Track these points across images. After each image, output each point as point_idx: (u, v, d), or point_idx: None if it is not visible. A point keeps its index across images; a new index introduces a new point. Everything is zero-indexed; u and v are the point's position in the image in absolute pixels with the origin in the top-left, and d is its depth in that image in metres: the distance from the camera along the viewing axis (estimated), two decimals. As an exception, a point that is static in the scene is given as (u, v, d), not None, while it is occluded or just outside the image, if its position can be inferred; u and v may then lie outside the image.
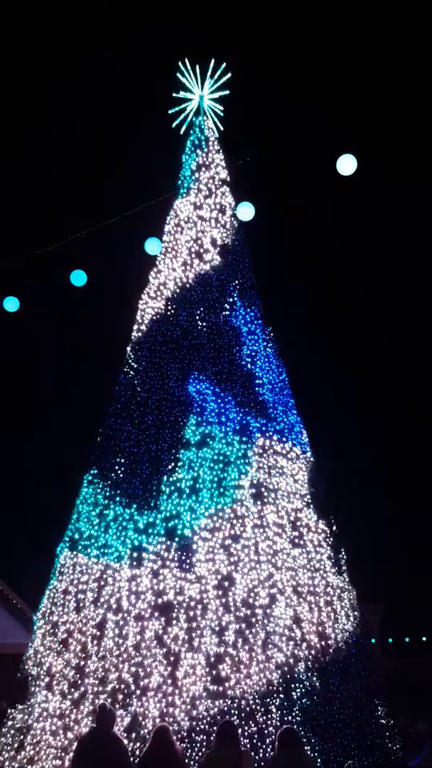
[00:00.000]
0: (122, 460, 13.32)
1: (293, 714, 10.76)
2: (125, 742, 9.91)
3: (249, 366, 14.20)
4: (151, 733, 9.38)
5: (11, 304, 14.06)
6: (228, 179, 16.44)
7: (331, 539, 13.47)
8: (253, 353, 14.44)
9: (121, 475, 13.17)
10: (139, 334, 14.88)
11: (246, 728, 10.44)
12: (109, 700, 10.69)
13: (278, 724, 10.42)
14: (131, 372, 14.42)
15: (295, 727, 10.03)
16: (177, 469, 12.76)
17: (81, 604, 12.21)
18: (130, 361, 14.65)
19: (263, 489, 12.72)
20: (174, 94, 16.90)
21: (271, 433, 13.56)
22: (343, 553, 13.68)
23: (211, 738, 9.77)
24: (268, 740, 10.33)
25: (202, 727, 10.46)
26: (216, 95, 16.98)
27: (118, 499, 12.91)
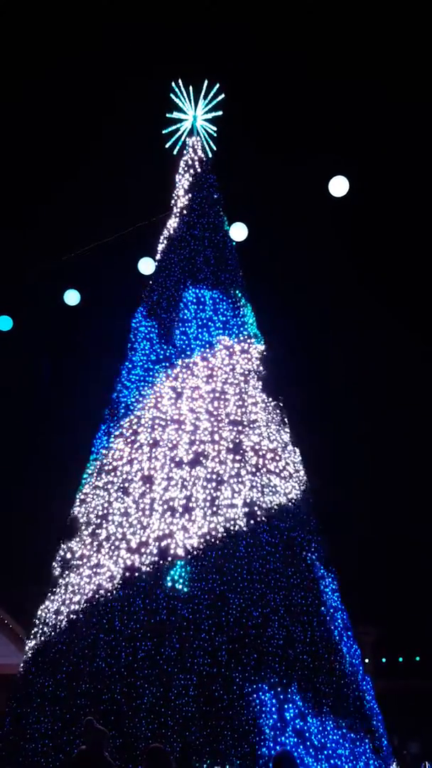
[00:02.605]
0: (114, 479, 13.29)
1: (286, 734, 10.69)
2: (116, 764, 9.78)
3: (242, 384, 14.22)
4: (144, 753, 9.26)
5: (4, 323, 14.04)
6: (221, 199, 16.56)
7: (325, 559, 13.44)
8: (246, 372, 14.47)
9: (114, 494, 13.13)
10: (133, 352, 14.91)
11: (239, 749, 10.35)
12: (101, 721, 10.55)
13: (271, 744, 10.34)
14: (124, 390, 14.43)
15: (288, 748, 9.95)
16: (170, 488, 12.73)
17: (73, 625, 12.12)
18: (123, 379, 14.66)
19: (256, 508, 12.70)
20: (168, 115, 17.06)
21: (264, 452, 13.56)
22: (336, 572, 13.63)
23: (205, 758, 9.68)
24: (260, 761, 10.25)
25: (195, 747, 10.37)
26: (209, 116, 17.14)
27: (110, 518, 12.87)
